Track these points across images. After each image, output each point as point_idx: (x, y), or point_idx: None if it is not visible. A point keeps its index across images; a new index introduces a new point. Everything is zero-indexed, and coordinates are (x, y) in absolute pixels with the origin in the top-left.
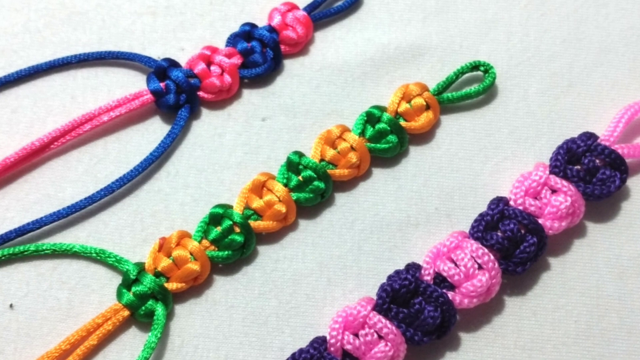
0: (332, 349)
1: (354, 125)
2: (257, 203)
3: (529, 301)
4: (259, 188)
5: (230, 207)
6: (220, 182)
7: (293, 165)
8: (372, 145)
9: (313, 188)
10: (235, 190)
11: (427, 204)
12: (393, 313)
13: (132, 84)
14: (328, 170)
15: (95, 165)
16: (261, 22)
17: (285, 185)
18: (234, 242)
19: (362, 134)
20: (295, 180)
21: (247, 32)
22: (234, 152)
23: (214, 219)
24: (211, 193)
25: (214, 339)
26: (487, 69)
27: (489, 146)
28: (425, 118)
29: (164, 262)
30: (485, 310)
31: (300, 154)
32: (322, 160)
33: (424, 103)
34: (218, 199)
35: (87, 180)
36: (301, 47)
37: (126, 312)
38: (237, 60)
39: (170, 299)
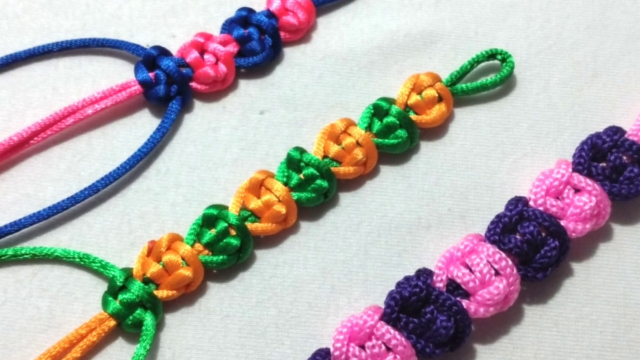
0: None
1: (359, 119)
2: (254, 203)
3: (550, 310)
4: (256, 187)
5: (226, 207)
6: (214, 181)
7: (294, 162)
8: (380, 140)
9: (315, 187)
10: (231, 189)
11: (439, 204)
12: (402, 323)
13: (118, 74)
14: (332, 168)
15: (79, 163)
16: (259, 6)
17: (285, 184)
18: (229, 246)
19: (368, 128)
20: (296, 178)
21: (244, 18)
22: (230, 148)
23: (208, 221)
24: (205, 192)
25: (208, 351)
26: (504, 58)
27: (507, 142)
28: (437, 111)
29: (154, 268)
30: (503, 320)
31: (301, 150)
32: (325, 156)
33: (436, 95)
34: (212, 199)
35: (70, 178)
36: (303, 34)
37: (112, 322)
38: (232, 48)
39: (160, 308)
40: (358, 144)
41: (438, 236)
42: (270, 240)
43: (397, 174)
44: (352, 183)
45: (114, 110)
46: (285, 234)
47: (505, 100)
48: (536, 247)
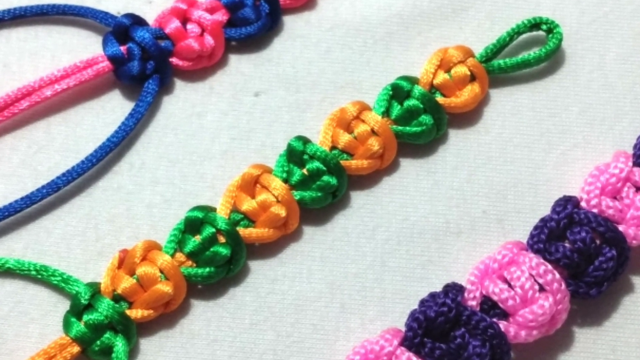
0: None
1: (375, 102)
2: (248, 204)
3: (606, 333)
4: (250, 185)
5: (214, 209)
6: (199, 177)
7: (296, 154)
8: (400, 128)
9: (322, 185)
10: (220, 187)
11: (471, 205)
12: (427, 349)
13: (83, 48)
14: (341, 162)
15: (35, 155)
16: None
17: (286, 181)
18: (217, 256)
19: (386, 113)
20: (298, 174)
21: None
22: (218, 137)
23: (192, 226)
24: (188, 191)
25: None
26: (550, 28)
27: (554, 130)
28: (469, 93)
29: (126, 283)
30: (549, 346)
31: (305, 140)
32: (333, 148)
33: (468, 73)
34: (197, 198)
35: (25, 174)
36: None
37: (76, 348)
38: (221, 16)
39: (133, 331)
40: (373, 132)
41: (470, 244)
42: (268, 249)
43: (420, 168)
44: (367, 180)
45: (77, 92)
46: (286, 241)
47: (551, 80)
48: (589, 257)
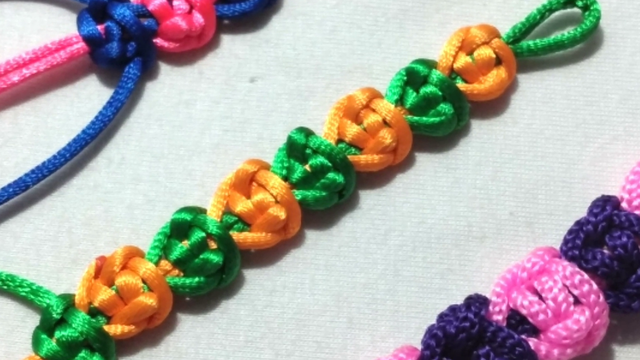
0: None
1: (388, 89)
2: (242, 205)
3: None
4: (245, 183)
5: (204, 211)
6: (187, 174)
7: (297, 148)
8: (416, 118)
9: (327, 183)
10: (210, 185)
11: (497, 206)
12: None
13: (55, 28)
14: (349, 156)
15: (1, 149)
16: None
17: (286, 178)
18: (208, 264)
19: (400, 101)
20: (300, 171)
21: None
22: (209, 128)
23: (179, 230)
24: (174, 190)
25: None
26: (587, 5)
27: (591, 120)
28: (494, 78)
29: (104, 294)
30: None
31: (307, 132)
32: (340, 141)
33: (493, 55)
34: (184, 198)
35: None
36: None
37: None
38: None
39: (112, 349)
40: (385, 123)
41: (496, 250)
42: (265, 256)
43: (439, 164)
44: (378, 177)
45: (49, 77)
46: (286, 247)
47: (588, 63)
48: (631, 265)
